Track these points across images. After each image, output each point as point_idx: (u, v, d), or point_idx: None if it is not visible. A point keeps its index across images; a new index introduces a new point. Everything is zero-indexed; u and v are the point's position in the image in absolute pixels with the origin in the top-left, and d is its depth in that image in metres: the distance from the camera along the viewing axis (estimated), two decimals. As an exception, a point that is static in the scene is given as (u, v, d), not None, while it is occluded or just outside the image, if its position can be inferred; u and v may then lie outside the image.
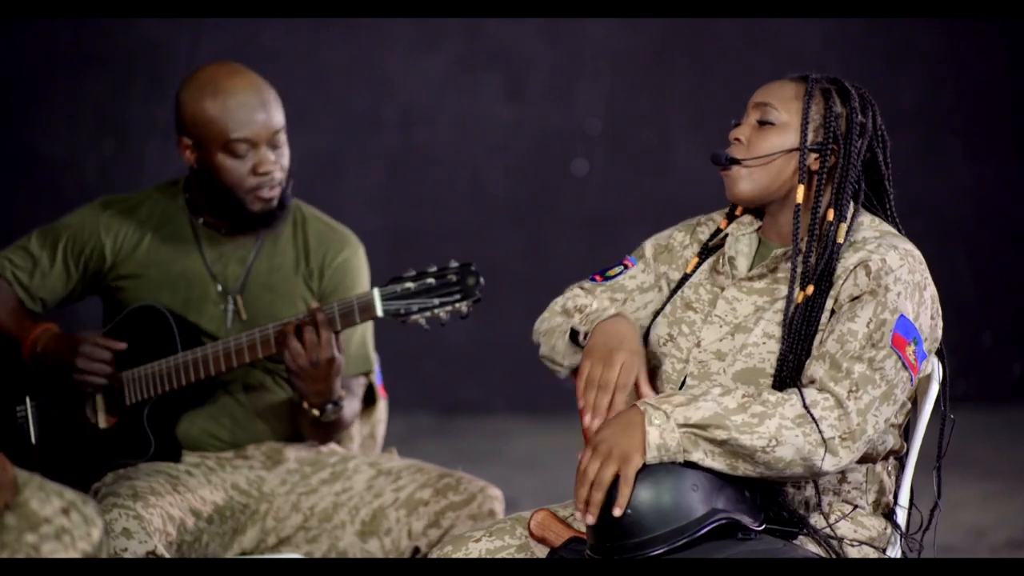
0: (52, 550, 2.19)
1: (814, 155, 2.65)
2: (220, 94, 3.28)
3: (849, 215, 2.64)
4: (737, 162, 2.67)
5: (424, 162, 7.20)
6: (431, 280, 3.16)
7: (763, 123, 2.67)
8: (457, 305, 3.17)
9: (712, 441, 2.48)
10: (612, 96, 7.26)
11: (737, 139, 2.69)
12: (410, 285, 3.17)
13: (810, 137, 2.65)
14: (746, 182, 2.68)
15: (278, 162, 3.31)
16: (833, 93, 2.67)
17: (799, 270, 2.61)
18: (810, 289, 2.59)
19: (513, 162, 7.25)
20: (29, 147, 6.76)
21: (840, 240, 2.60)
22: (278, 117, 3.31)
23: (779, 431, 2.47)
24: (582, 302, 2.79)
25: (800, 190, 2.64)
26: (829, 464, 2.49)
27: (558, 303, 2.85)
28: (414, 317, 3.17)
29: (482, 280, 3.16)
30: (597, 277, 2.84)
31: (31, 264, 3.37)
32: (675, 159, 7.27)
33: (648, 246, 2.85)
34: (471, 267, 3.17)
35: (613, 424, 2.52)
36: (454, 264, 3.18)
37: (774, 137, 2.66)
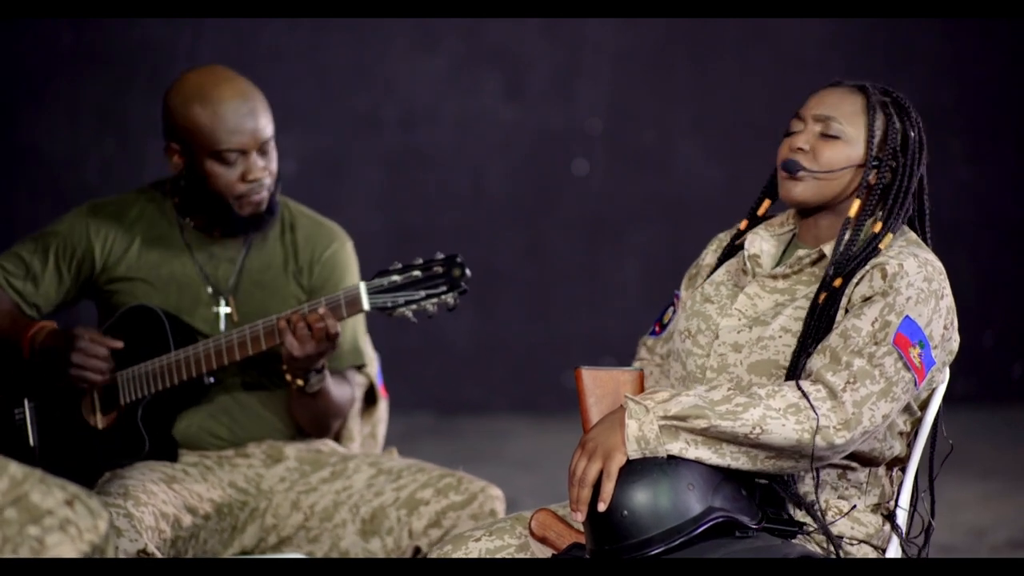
0: (58, 542, 2.17)
1: (874, 170, 2.68)
2: (210, 102, 3.28)
3: (898, 225, 2.67)
4: (806, 170, 2.69)
5: (424, 162, 7.20)
6: (417, 273, 3.16)
7: (827, 136, 2.69)
8: (443, 297, 3.17)
9: (692, 431, 2.49)
10: (612, 96, 7.25)
11: (801, 148, 2.70)
12: (396, 278, 3.16)
13: (873, 152, 2.68)
14: (810, 191, 2.70)
15: (267, 168, 3.31)
16: (890, 107, 2.70)
17: (832, 270, 2.63)
18: (838, 282, 2.62)
19: (513, 162, 7.25)
20: (30, 147, 6.76)
21: (882, 246, 2.63)
22: (267, 125, 3.30)
23: (763, 419, 2.48)
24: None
25: (856, 204, 2.67)
26: (821, 452, 2.50)
27: (634, 366, 2.93)
28: (401, 310, 3.17)
29: (468, 272, 3.16)
30: (657, 328, 2.91)
31: (24, 271, 3.37)
32: (675, 159, 7.27)
33: (684, 279, 2.90)
34: (456, 259, 3.17)
35: (601, 423, 2.54)
36: (440, 256, 3.18)
37: (843, 150, 2.68)
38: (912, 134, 2.69)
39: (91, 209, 3.42)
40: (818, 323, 2.61)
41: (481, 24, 7.08)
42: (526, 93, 7.22)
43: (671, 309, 2.90)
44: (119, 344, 3.28)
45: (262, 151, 3.30)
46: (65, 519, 2.18)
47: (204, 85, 3.30)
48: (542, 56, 7.20)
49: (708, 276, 2.80)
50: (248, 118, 3.28)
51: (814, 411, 2.50)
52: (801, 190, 2.71)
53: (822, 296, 2.62)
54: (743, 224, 2.82)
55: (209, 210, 3.35)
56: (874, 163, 2.67)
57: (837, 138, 2.68)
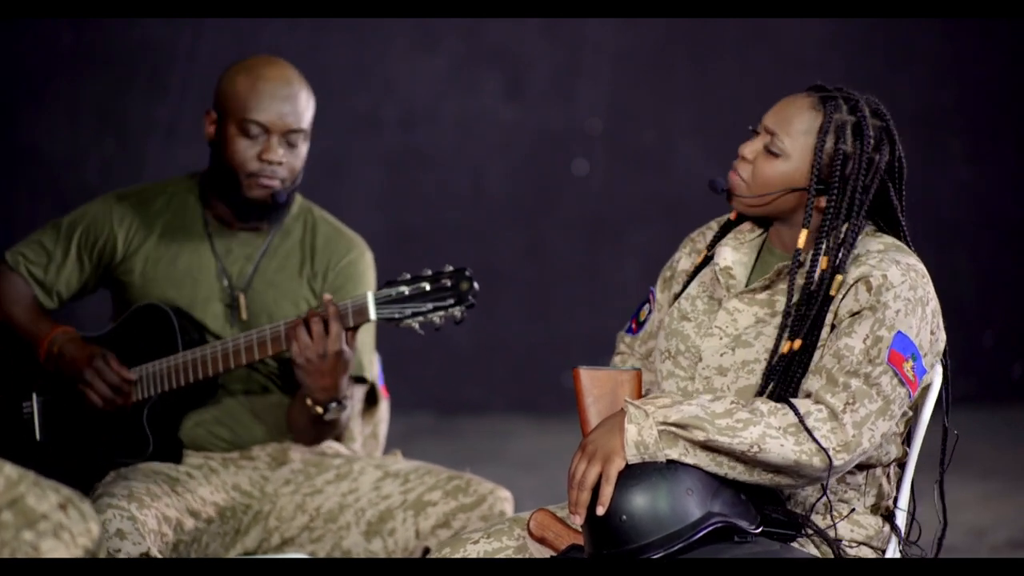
0: (51, 548, 2.16)
1: (821, 195, 2.62)
2: (253, 75, 3.31)
3: (849, 261, 2.59)
4: (732, 195, 2.67)
5: (424, 162, 7.20)
6: (426, 285, 3.16)
7: (770, 151, 2.64)
8: (451, 310, 3.17)
9: (691, 441, 2.48)
10: (612, 96, 7.25)
11: (745, 157, 2.67)
12: (404, 289, 3.16)
13: (816, 176, 2.61)
14: (745, 207, 2.68)
15: (287, 159, 3.31)
16: (848, 130, 2.61)
17: (788, 321, 2.59)
18: (798, 343, 2.57)
19: (513, 162, 7.25)
20: (30, 146, 6.76)
21: (833, 292, 2.57)
22: (301, 117, 3.31)
23: (762, 438, 2.47)
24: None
25: (803, 235, 2.62)
26: (821, 473, 2.50)
27: (614, 360, 2.91)
28: (407, 321, 3.17)
29: (476, 285, 3.16)
30: (634, 326, 2.88)
31: (45, 258, 3.38)
32: (676, 159, 7.27)
33: (659, 281, 2.87)
34: (465, 272, 3.17)
35: (601, 426, 2.53)
36: (449, 269, 3.17)
37: (779, 167, 2.63)
38: (865, 157, 2.60)
39: (117, 197, 3.44)
40: (779, 383, 2.57)
41: (481, 24, 7.08)
42: (526, 93, 7.22)
43: (646, 306, 2.87)
44: (132, 376, 3.28)
45: (288, 141, 3.31)
46: (59, 524, 2.17)
47: (258, 62, 3.35)
48: (542, 56, 7.20)
49: (684, 286, 2.78)
50: (282, 101, 3.29)
51: (810, 435, 2.49)
52: (742, 207, 2.68)
53: (786, 346, 2.57)
54: (733, 214, 2.76)
55: (223, 185, 3.34)
56: (817, 188, 2.62)
57: (777, 156, 2.64)
